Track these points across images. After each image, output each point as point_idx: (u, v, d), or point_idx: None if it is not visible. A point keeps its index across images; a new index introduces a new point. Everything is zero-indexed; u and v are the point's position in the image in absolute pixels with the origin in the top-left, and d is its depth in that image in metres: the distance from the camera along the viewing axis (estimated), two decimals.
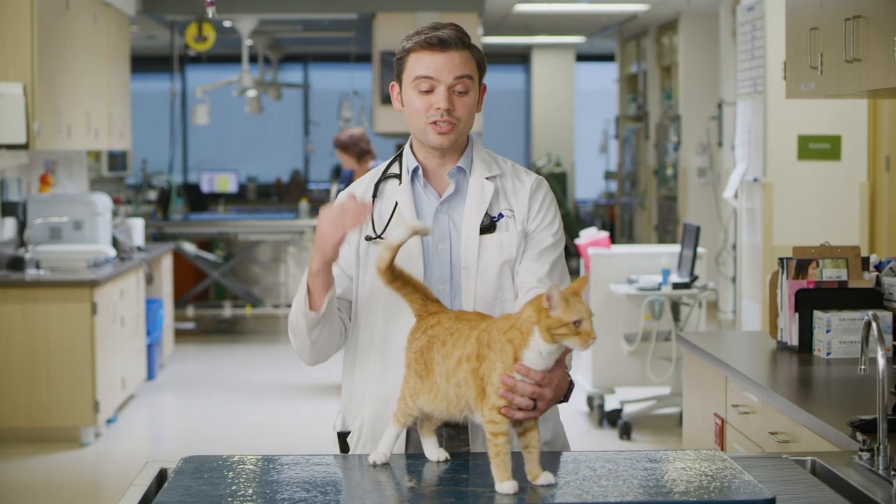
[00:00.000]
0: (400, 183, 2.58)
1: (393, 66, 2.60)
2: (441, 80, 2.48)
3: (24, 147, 6.32)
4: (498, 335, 2.20)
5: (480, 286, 2.51)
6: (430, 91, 2.50)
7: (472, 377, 2.21)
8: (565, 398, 2.36)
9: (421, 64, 2.50)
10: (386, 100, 9.65)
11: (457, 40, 2.49)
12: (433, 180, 2.58)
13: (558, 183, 14.17)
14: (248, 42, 10.63)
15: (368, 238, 2.56)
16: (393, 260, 2.34)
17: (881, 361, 2.39)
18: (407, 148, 2.61)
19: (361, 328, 2.57)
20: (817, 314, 3.70)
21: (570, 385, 2.38)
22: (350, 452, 2.59)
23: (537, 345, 2.15)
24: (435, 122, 2.49)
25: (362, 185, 2.63)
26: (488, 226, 2.54)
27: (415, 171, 2.57)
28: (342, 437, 2.63)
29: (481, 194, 2.55)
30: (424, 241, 2.53)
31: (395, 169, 2.61)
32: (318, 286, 2.45)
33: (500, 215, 2.55)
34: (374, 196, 2.59)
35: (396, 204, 2.56)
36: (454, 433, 2.48)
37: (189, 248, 10.20)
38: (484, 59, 2.57)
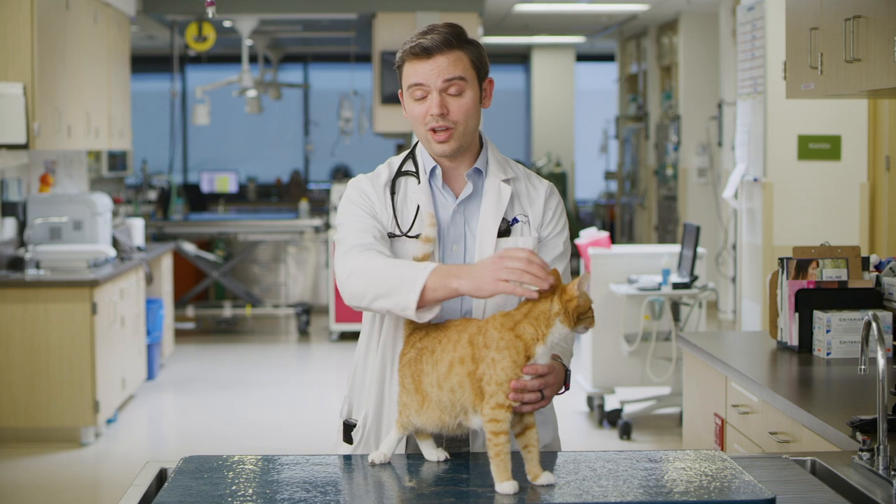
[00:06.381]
0: (419, 182, 2.56)
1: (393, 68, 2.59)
2: (431, 85, 2.47)
3: (24, 147, 6.32)
4: (501, 332, 2.20)
5: None
6: (424, 98, 2.49)
7: (468, 380, 2.21)
8: (566, 387, 2.39)
9: (412, 72, 2.49)
10: (386, 100, 9.67)
11: (441, 44, 2.46)
12: (449, 181, 2.57)
13: (558, 183, 14.16)
14: (248, 42, 10.63)
15: (392, 235, 2.53)
16: (429, 255, 2.39)
17: (881, 361, 2.39)
18: (420, 146, 2.61)
19: (369, 323, 2.57)
20: (817, 314, 3.70)
21: (567, 373, 2.42)
22: (353, 447, 2.58)
23: (554, 337, 2.19)
24: (433, 130, 2.49)
25: (381, 180, 2.58)
26: (504, 230, 2.53)
27: (432, 170, 2.57)
28: (347, 428, 2.62)
29: (498, 197, 2.54)
30: (438, 242, 2.52)
31: (409, 166, 2.59)
32: (436, 298, 2.32)
33: (516, 220, 2.55)
34: (393, 192, 2.57)
35: (418, 207, 2.53)
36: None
37: (189, 248, 10.20)
38: (483, 55, 2.53)
